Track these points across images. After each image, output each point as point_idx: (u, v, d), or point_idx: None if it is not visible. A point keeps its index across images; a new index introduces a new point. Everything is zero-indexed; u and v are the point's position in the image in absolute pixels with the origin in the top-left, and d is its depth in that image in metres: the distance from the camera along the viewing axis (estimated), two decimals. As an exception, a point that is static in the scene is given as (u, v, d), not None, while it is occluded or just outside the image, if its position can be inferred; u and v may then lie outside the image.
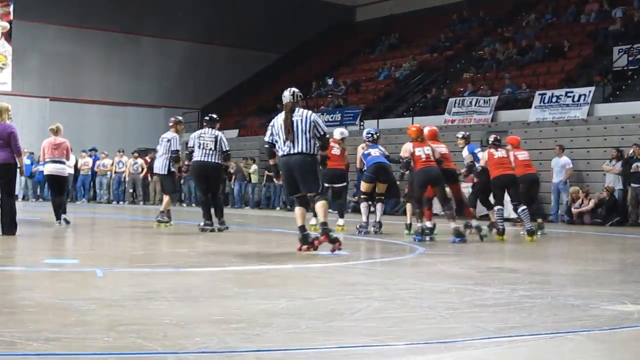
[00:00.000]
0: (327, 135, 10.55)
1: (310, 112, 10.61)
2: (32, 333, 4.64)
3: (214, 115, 14.83)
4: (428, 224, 13.16)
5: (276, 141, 10.43)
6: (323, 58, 39.87)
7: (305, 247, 10.27)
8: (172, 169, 15.00)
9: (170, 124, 15.55)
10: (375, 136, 15.02)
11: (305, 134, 10.23)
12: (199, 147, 14.00)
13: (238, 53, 39.74)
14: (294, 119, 10.25)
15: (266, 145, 10.69)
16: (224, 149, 14.24)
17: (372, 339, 4.73)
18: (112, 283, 7.08)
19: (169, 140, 14.99)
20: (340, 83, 34.71)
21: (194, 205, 26.98)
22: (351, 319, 5.40)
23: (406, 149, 12.88)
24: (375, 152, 14.48)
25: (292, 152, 10.24)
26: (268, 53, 40.74)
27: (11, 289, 6.84)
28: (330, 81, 35.24)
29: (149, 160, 29.36)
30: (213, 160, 14.04)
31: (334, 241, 10.19)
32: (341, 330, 4.99)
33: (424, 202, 13.10)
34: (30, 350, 4.24)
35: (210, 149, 13.99)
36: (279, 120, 10.44)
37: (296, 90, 10.64)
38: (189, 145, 14.25)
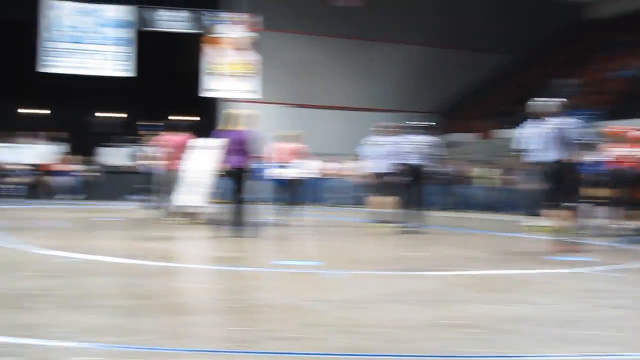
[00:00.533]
0: (591, 142, 10.54)
1: (572, 119, 10.64)
2: (268, 332, 4.80)
3: (431, 122, 15.32)
4: None
5: (533, 148, 10.53)
6: (557, 58, 38.74)
7: (563, 248, 10.25)
8: (391, 171, 15.18)
9: (388, 129, 16.01)
10: None
11: (566, 140, 10.37)
12: (414, 151, 14.29)
13: (471, 56, 39.41)
14: (557, 126, 10.38)
15: (521, 153, 10.72)
16: (439, 154, 14.70)
17: (615, 348, 4.59)
18: (349, 285, 7.19)
19: (392, 144, 15.25)
20: (575, 84, 33.69)
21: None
22: (592, 326, 5.24)
23: (610, 150, 12.73)
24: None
25: (553, 159, 10.36)
26: (501, 55, 40.16)
27: (251, 289, 7.09)
28: (565, 82, 34.26)
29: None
30: (426, 164, 14.34)
31: (573, 248, 10.23)
32: (583, 338, 4.85)
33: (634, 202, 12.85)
34: (268, 349, 4.39)
35: (425, 153, 14.25)
36: (538, 127, 10.55)
37: (562, 99, 10.64)
38: (398, 151, 14.64)
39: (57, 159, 31.35)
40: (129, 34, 31.19)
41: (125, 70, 31.26)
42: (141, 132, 18.49)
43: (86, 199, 30.67)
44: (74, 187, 31.19)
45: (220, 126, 12.70)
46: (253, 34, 33.11)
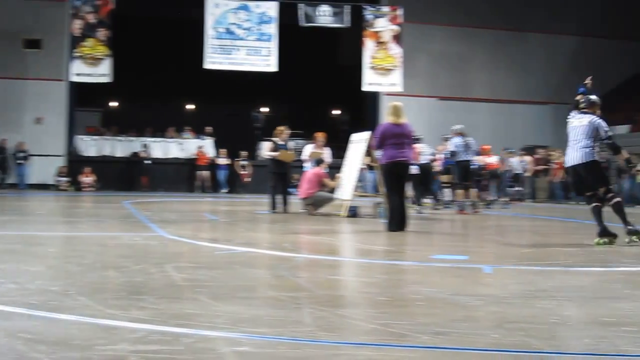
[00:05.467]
0: None
1: None
2: (422, 326, 4.76)
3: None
4: None
5: None
6: None
7: None
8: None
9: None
10: None
11: None
12: None
13: (630, 45, 38.15)
14: None
15: None
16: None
17: None
18: (499, 280, 7.07)
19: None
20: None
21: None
22: None
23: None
24: None
25: None
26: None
27: (401, 283, 7.06)
28: None
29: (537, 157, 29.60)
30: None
31: None
32: None
33: None
34: (419, 343, 4.36)
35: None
36: None
37: None
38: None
39: (208, 153, 32.31)
40: (273, 29, 31.68)
41: (269, 65, 31.72)
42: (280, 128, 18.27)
43: (229, 192, 31.39)
44: (222, 180, 32.06)
45: (390, 119, 12.52)
46: (394, 27, 33.06)
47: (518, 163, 28.76)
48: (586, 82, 11.15)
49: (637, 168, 25.66)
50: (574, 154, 10.49)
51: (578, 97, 10.84)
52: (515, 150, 29.59)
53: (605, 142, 10.58)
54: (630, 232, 10.46)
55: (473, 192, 19.54)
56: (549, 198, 29.87)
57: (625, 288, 6.75)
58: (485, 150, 23.38)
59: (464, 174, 19.09)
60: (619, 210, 10.50)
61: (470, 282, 6.90)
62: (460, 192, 19.02)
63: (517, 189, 27.98)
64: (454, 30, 36.62)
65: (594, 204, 10.54)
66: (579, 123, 10.57)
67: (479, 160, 21.60)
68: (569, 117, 10.84)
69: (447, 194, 20.30)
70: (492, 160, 24.25)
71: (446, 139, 20.68)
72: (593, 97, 10.77)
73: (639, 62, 38.33)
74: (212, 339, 4.38)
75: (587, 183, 10.66)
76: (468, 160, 19.18)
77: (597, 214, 10.49)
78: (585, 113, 10.64)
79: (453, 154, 19.12)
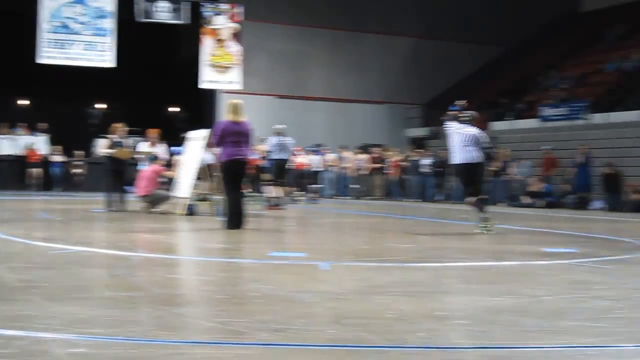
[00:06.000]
0: None
1: None
2: (260, 323, 4.78)
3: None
4: None
5: None
6: (547, 50, 38.74)
7: None
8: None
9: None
10: None
11: None
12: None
13: (460, 48, 39.42)
14: None
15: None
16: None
17: (600, 340, 4.57)
18: (337, 277, 7.19)
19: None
20: (565, 76, 33.77)
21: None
22: (578, 318, 5.23)
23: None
24: None
25: None
26: (491, 47, 40.17)
27: (240, 281, 7.09)
28: (555, 74, 34.35)
29: (375, 156, 30.21)
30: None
31: None
32: (567, 330, 4.85)
33: None
34: (258, 340, 4.38)
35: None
36: None
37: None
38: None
39: (39, 150, 31.34)
40: (110, 24, 31.09)
41: (105, 61, 31.13)
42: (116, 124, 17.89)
43: (64, 190, 30.46)
44: (56, 178, 31.07)
45: (230, 117, 12.44)
46: (234, 25, 33.07)
47: (318, 161, 29.46)
48: (460, 102, 12.86)
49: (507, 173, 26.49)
50: (465, 155, 12.31)
51: (455, 112, 12.62)
52: (313, 149, 30.26)
53: (485, 150, 12.58)
54: (485, 220, 12.40)
55: (286, 189, 20.59)
56: (385, 196, 30.46)
57: (458, 283, 6.99)
58: (296, 151, 24.34)
59: (279, 172, 20.02)
60: (484, 204, 12.61)
61: (308, 279, 6.99)
62: (276, 188, 19.68)
63: (317, 185, 28.59)
64: (293, 29, 36.89)
65: (482, 197, 12.54)
66: (465, 132, 12.34)
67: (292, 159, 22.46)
68: (447, 124, 12.59)
69: (268, 190, 20.70)
70: (301, 160, 25.25)
71: (262, 139, 21.67)
72: (474, 112, 12.91)
73: (472, 64, 39.63)
74: (46, 340, 4.28)
75: (472, 178, 12.54)
76: (283, 159, 19.85)
77: (482, 205, 12.46)
78: (470, 125, 12.49)
79: (267, 152, 20.43)
